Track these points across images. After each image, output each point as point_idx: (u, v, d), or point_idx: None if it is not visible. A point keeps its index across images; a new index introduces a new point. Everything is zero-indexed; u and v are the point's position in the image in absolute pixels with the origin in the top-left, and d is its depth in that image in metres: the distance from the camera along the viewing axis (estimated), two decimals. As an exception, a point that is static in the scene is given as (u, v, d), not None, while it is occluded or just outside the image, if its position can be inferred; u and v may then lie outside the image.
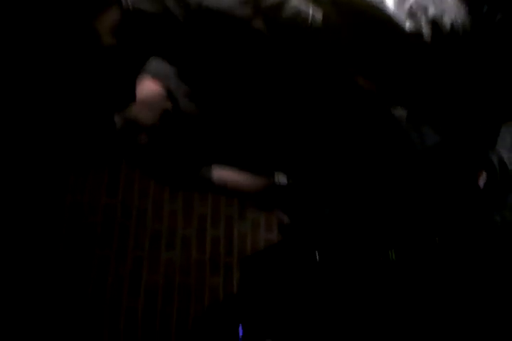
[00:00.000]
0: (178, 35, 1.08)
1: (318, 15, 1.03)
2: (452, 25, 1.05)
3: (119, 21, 1.05)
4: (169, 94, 1.19)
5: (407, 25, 1.04)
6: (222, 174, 1.60)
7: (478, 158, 1.10)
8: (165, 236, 2.62)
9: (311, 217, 1.97)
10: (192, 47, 1.12)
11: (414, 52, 1.06)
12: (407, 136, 1.32)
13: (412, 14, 1.03)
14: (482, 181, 1.08)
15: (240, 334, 1.96)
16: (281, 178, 2.21)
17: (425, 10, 1.03)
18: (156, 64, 1.18)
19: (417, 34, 1.04)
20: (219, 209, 2.67)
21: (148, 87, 1.18)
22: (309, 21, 1.04)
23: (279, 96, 1.28)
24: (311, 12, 1.04)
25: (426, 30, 1.03)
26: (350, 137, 1.40)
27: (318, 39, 1.08)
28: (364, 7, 1.02)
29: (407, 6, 1.03)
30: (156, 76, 1.17)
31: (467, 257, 1.13)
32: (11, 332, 2.26)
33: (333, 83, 1.23)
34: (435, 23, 1.04)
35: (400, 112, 1.36)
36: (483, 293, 1.14)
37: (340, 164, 1.57)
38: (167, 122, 1.25)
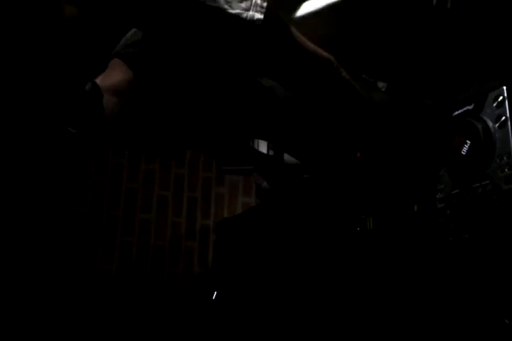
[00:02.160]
0: None
1: None
2: None
3: None
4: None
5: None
6: None
7: (463, 125, 1.05)
8: (140, 197, 2.57)
9: (289, 182, 1.94)
10: None
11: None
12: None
13: None
14: (465, 149, 1.03)
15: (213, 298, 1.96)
16: (260, 147, 2.17)
17: None
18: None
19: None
20: (197, 172, 2.62)
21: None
22: None
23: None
24: None
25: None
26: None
27: None
28: None
29: None
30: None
31: (446, 225, 1.10)
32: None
33: None
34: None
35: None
36: (462, 261, 1.11)
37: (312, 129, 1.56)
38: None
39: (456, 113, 1.09)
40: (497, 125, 0.98)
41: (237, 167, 2.56)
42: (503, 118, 0.97)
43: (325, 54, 1.13)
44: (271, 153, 2.07)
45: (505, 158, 0.96)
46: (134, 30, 1.23)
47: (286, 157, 2.02)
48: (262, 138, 2.00)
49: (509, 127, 0.96)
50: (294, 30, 1.07)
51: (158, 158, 2.60)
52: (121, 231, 2.50)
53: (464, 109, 1.07)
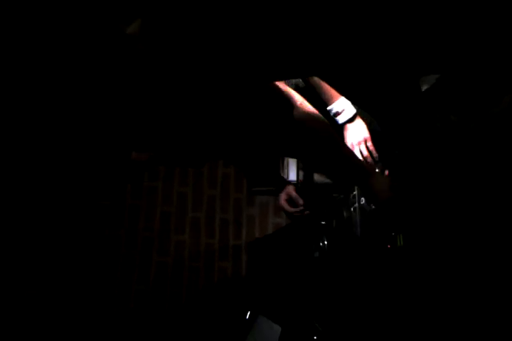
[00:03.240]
0: None
1: None
2: None
3: None
4: None
5: None
6: None
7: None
8: (174, 219, 2.65)
9: (320, 203, 1.99)
10: None
11: None
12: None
13: None
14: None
15: (247, 318, 2.00)
16: (290, 166, 2.22)
17: None
18: None
19: None
20: (228, 193, 2.69)
21: None
22: None
23: None
24: None
25: None
26: None
27: None
28: None
29: None
30: None
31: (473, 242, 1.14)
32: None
33: None
34: None
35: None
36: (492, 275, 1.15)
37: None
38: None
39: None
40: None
41: (267, 188, 2.62)
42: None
43: None
44: (301, 172, 2.13)
45: None
46: None
47: (316, 176, 2.07)
48: (292, 157, 2.05)
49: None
50: None
51: (191, 181, 2.69)
52: (157, 252, 2.58)
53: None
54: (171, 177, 2.70)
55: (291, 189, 1.87)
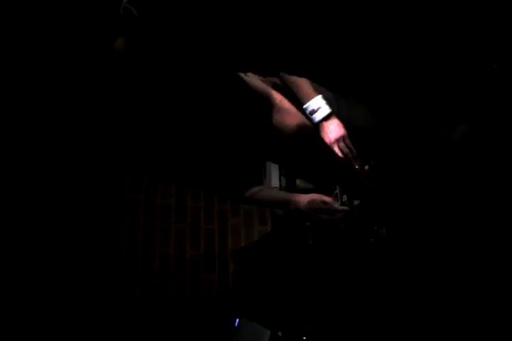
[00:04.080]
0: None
1: None
2: None
3: None
4: None
5: None
6: None
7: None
8: (159, 232, 2.63)
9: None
10: None
11: None
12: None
13: None
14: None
15: (236, 326, 1.97)
16: (273, 172, 2.22)
17: None
18: None
19: None
20: (212, 204, 2.68)
21: None
22: None
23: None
24: None
25: None
26: None
27: None
28: None
29: None
30: None
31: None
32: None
33: None
34: None
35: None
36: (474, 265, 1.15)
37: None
38: None
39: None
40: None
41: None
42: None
43: None
44: (283, 179, 2.13)
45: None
46: None
47: (298, 181, 2.08)
48: (273, 161, 2.05)
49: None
50: None
51: (174, 193, 2.67)
52: (142, 266, 2.55)
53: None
54: (153, 190, 2.69)
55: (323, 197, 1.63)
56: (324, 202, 1.55)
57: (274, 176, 2.24)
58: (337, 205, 1.57)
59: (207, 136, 1.55)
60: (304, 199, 1.55)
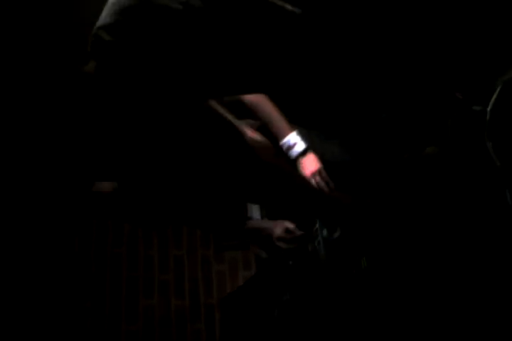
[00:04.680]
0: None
1: None
2: None
3: None
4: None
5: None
6: None
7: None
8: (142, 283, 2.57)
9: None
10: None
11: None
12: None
13: None
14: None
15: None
16: (253, 208, 2.23)
17: None
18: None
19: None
20: (196, 251, 2.65)
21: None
22: None
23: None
24: None
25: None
26: None
27: None
28: None
29: None
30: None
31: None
32: None
33: None
34: None
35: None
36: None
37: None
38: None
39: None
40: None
41: (234, 242, 2.59)
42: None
43: None
44: (265, 218, 2.13)
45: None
46: None
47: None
48: (255, 203, 2.05)
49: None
50: None
51: (156, 242, 2.64)
52: (126, 320, 2.47)
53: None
54: (135, 242, 2.65)
55: (285, 223, 1.68)
56: (286, 229, 1.56)
57: (255, 209, 2.25)
58: (298, 232, 1.58)
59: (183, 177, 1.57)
60: (272, 225, 1.57)
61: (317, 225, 1.68)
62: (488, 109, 0.93)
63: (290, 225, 1.63)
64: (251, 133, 1.39)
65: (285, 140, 1.66)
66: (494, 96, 0.91)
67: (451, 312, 1.15)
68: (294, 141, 1.65)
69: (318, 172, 1.67)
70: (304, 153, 1.67)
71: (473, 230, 1.08)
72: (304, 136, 1.71)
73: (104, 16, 1.02)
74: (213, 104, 1.34)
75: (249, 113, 1.64)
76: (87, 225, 2.61)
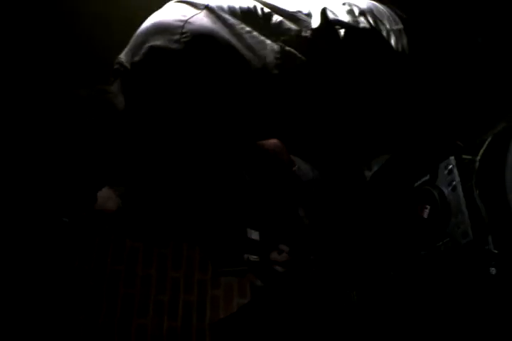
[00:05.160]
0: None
1: None
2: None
3: None
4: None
5: None
6: None
7: (422, 193, 1.20)
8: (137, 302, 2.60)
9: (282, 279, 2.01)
10: None
11: None
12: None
13: None
14: (426, 213, 1.17)
15: None
16: (253, 234, 2.28)
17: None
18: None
19: None
20: (193, 275, 2.68)
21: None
22: None
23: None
24: None
25: None
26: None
27: None
28: None
29: None
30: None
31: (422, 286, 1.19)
32: None
33: None
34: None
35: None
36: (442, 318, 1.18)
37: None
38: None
39: (416, 184, 1.25)
40: (450, 189, 1.13)
41: (232, 268, 2.62)
42: (454, 182, 1.12)
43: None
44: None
45: (459, 217, 1.10)
46: None
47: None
48: (253, 228, 2.10)
49: (459, 190, 1.11)
50: None
51: (155, 263, 2.68)
52: (118, 336, 2.49)
53: (422, 180, 1.23)
54: (134, 260, 2.69)
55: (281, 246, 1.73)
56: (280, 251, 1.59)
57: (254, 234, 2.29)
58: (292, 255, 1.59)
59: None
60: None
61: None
62: (478, 158, 1.00)
63: (285, 248, 1.66)
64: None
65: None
66: (484, 147, 0.98)
67: None
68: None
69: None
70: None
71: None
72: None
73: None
74: None
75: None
76: (89, 241, 2.66)
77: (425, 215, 1.17)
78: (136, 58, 1.06)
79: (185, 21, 1.04)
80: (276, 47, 1.06)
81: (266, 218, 1.87)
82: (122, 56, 1.13)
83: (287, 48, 1.06)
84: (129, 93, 1.09)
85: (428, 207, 1.17)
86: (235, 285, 2.64)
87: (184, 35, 1.02)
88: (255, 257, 2.20)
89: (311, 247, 1.68)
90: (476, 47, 1.19)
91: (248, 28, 1.06)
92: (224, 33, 1.03)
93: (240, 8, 1.09)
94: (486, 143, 0.99)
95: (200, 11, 1.07)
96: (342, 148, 1.30)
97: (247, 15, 1.10)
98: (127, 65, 1.08)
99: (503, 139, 0.95)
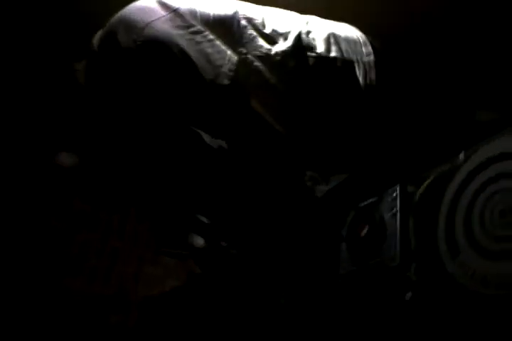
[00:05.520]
0: None
1: None
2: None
3: None
4: None
5: None
6: None
7: (365, 212, 1.28)
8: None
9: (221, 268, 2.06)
10: None
11: None
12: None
13: None
14: (364, 232, 1.25)
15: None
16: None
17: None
18: None
19: None
20: (135, 248, 2.69)
21: None
22: None
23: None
24: None
25: None
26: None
27: None
28: None
29: None
30: None
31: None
32: None
33: None
34: None
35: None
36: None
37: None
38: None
39: (363, 204, 1.32)
40: (390, 214, 1.21)
41: (175, 250, 2.65)
42: (395, 209, 1.20)
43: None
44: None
45: (392, 241, 1.18)
46: None
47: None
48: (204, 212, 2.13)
49: (398, 217, 1.19)
50: None
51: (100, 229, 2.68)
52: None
53: (370, 200, 1.31)
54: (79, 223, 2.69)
55: None
56: None
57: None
58: None
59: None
60: None
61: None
62: (419, 192, 1.08)
63: None
64: None
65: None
66: (425, 183, 1.06)
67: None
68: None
69: None
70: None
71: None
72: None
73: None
74: None
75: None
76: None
77: (362, 234, 1.25)
78: (102, 45, 1.11)
79: (148, 24, 1.09)
80: (235, 58, 1.09)
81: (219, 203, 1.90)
82: (96, 38, 1.18)
83: (255, 64, 1.09)
84: (88, 72, 1.14)
85: (367, 226, 1.25)
86: (174, 267, 2.67)
87: (141, 38, 1.07)
88: (201, 243, 2.25)
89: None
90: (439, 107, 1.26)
91: (211, 37, 1.09)
92: (180, 39, 1.07)
93: (214, 15, 1.12)
94: (429, 180, 1.07)
95: (166, 14, 1.11)
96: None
97: (218, 24, 1.13)
98: (96, 48, 1.14)
99: (444, 180, 1.03)
